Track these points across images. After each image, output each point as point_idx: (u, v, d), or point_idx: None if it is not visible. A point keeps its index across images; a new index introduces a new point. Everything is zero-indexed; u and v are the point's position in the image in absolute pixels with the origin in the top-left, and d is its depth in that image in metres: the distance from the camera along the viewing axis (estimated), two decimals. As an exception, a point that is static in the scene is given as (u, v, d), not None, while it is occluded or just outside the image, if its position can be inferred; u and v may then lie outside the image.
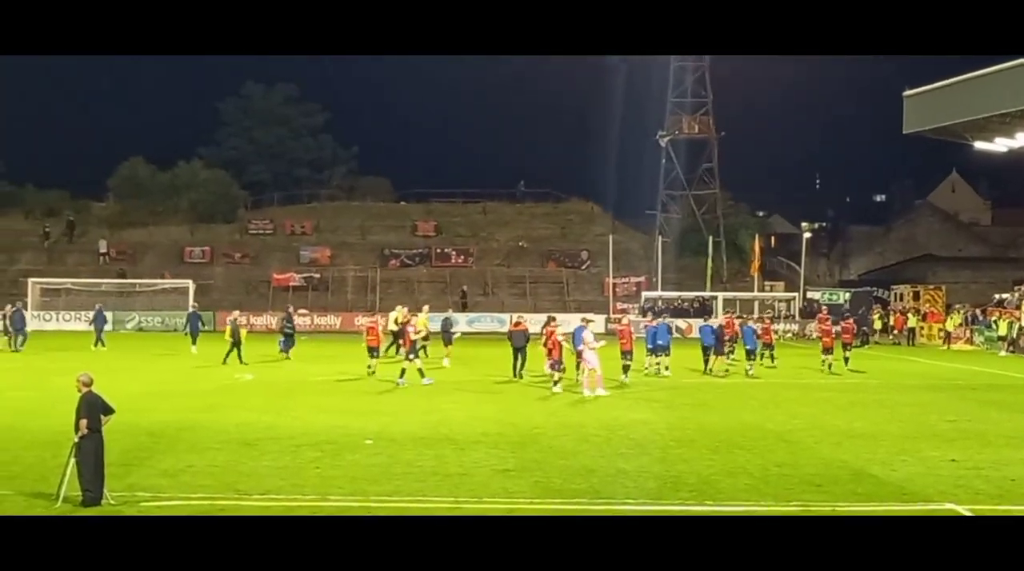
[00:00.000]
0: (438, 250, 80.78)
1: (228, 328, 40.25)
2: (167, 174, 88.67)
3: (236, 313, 43.60)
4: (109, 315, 54.36)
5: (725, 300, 66.51)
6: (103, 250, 78.68)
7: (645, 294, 70.38)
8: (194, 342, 44.80)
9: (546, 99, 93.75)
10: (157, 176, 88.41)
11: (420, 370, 32.59)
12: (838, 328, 41.72)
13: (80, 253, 79.37)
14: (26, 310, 50.86)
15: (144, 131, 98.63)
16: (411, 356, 32.81)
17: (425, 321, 38.61)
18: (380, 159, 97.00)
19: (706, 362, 37.95)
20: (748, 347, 37.91)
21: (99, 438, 15.10)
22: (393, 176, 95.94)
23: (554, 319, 35.03)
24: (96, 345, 46.85)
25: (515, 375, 34.31)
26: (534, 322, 39.08)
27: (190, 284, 65.71)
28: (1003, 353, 51.55)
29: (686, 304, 69.69)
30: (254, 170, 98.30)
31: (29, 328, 47.46)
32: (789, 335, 63.25)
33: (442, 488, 16.65)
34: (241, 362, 38.26)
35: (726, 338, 38.79)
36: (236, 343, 39.27)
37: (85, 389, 15.28)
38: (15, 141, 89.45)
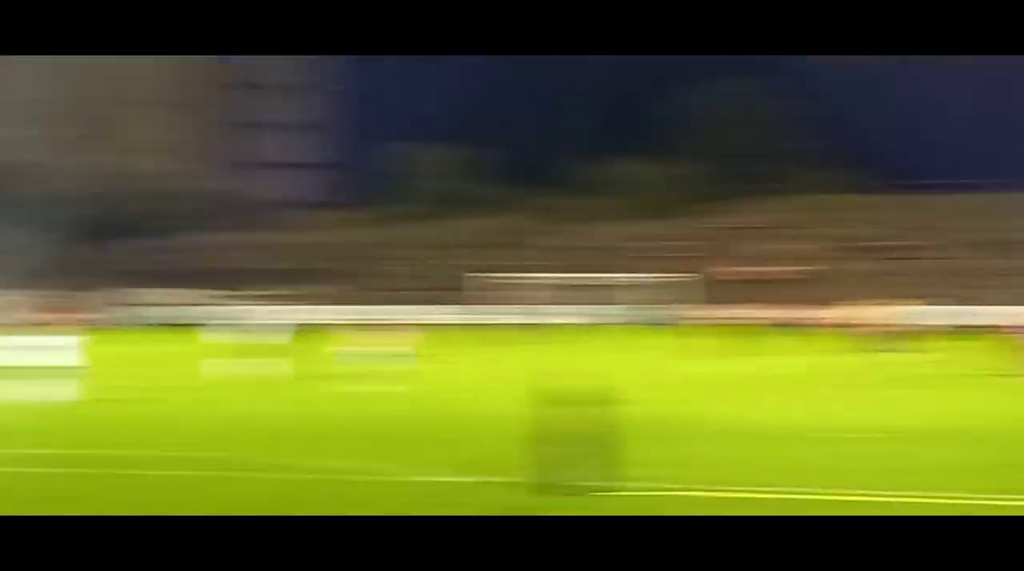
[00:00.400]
0: (908, 243, 78.83)
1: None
2: (630, 169, 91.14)
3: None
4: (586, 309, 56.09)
5: None
6: (579, 244, 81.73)
7: None
8: (665, 335, 45.81)
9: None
10: (622, 172, 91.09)
11: (890, 362, 32.46)
12: None
13: (542, 250, 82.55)
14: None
15: (610, 129, 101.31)
16: (887, 348, 32.77)
17: (897, 313, 38.11)
18: (847, 152, 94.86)
19: None
20: None
21: (586, 428, 15.73)
22: (862, 168, 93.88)
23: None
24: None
25: (986, 371, 33.48)
26: (1006, 316, 37.78)
27: (676, 278, 67.40)
28: None
29: None
30: (718, 164, 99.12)
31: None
32: None
33: (901, 482, 16.60)
34: None
35: None
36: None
37: (567, 381, 15.96)
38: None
